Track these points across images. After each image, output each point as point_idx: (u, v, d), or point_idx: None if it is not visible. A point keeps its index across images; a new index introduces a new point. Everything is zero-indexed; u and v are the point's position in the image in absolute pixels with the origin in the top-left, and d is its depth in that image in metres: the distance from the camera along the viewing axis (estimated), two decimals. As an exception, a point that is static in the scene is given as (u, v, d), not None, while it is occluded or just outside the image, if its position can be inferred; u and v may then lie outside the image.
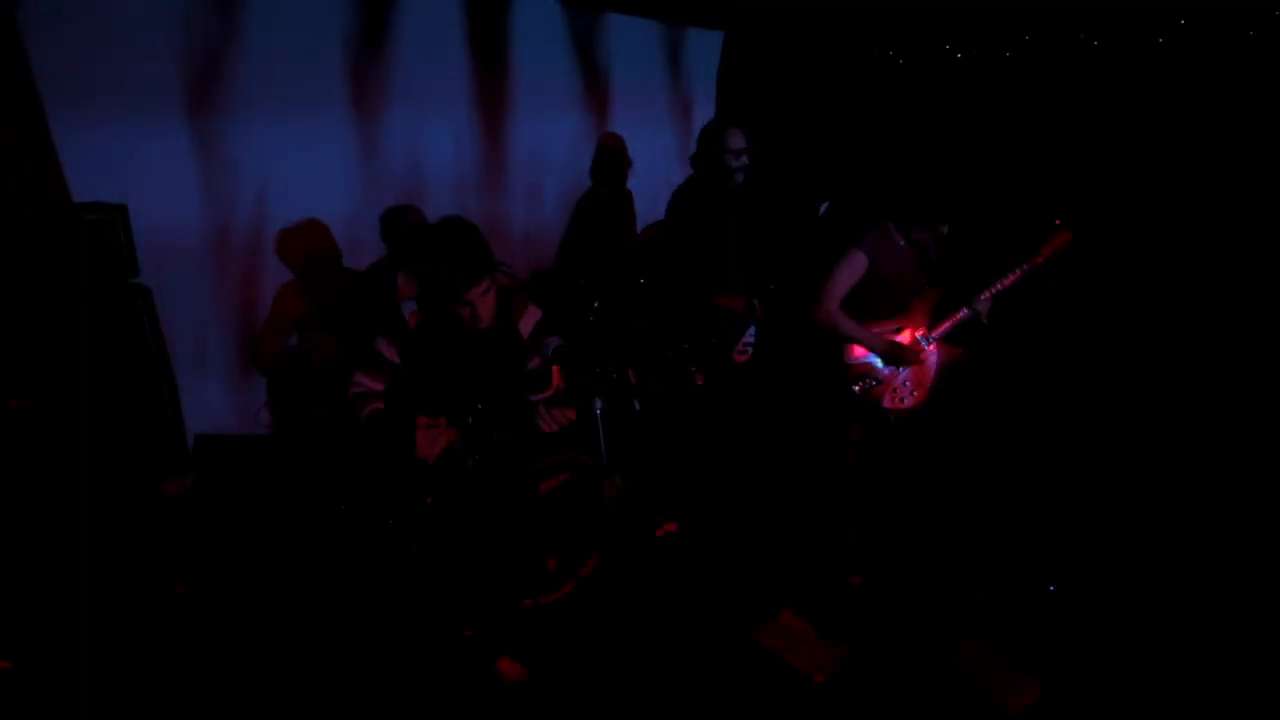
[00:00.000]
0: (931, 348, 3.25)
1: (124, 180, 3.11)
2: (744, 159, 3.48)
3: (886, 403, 3.17)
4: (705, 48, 5.94)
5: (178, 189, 3.45)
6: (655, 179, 5.07)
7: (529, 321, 2.68)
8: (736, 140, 3.46)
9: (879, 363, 3.17)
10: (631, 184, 4.95)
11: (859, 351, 3.17)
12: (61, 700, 2.49)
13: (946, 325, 3.23)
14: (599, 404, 3.51)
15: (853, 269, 3.08)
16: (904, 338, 3.21)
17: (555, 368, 2.63)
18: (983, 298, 3.18)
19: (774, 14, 5.32)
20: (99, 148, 3.10)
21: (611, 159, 4.82)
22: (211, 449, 3.53)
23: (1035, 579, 3.08)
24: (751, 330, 4.24)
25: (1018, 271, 3.17)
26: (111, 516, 2.89)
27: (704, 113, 6.11)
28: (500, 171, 4.76)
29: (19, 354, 2.77)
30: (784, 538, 3.45)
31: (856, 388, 3.16)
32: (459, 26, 4.37)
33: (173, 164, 3.43)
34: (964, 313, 3.20)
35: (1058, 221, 3.17)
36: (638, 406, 4.07)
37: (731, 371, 4.04)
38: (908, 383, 3.19)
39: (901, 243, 3.13)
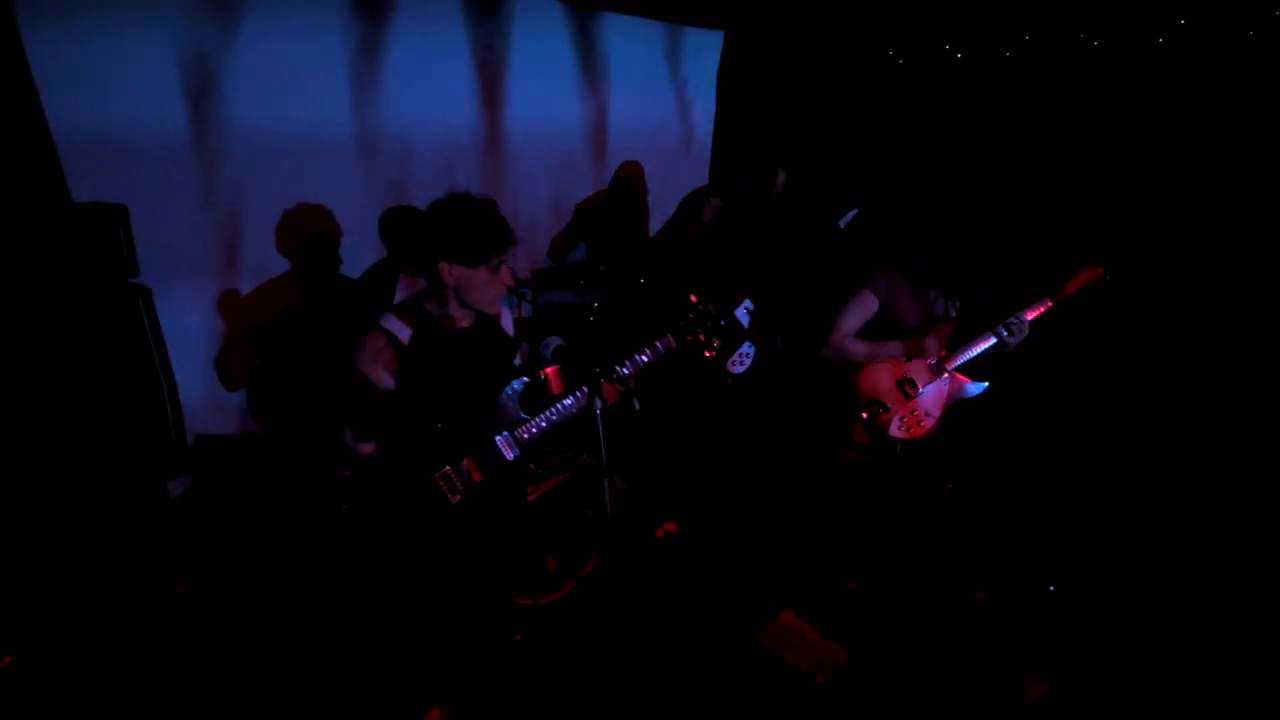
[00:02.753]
0: (944, 375, 3.10)
1: (124, 180, 3.12)
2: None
3: (894, 430, 3.10)
4: (705, 48, 5.94)
5: (178, 189, 3.46)
6: (655, 180, 5.07)
7: (505, 316, 2.47)
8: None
9: (914, 390, 3.07)
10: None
11: (867, 381, 3.08)
12: (61, 698, 2.49)
13: (968, 352, 3.07)
14: (599, 404, 3.51)
15: (863, 310, 3.03)
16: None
17: (554, 370, 2.60)
18: (1011, 323, 3.01)
19: (774, 14, 5.32)
20: (99, 148, 3.11)
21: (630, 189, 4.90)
22: (211, 449, 3.53)
23: (1035, 579, 3.08)
24: (749, 344, 4.24)
25: (1048, 302, 3.02)
26: (112, 516, 2.88)
27: (704, 113, 6.11)
28: (499, 169, 4.77)
29: (18, 354, 2.77)
30: (784, 539, 3.45)
31: (864, 415, 3.11)
32: (460, 26, 4.39)
33: (173, 164, 3.43)
34: (989, 340, 3.03)
35: (1090, 260, 3.05)
36: (637, 406, 4.07)
37: (728, 381, 4.06)
38: (916, 410, 3.08)
39: (914, 275, 3.03)
